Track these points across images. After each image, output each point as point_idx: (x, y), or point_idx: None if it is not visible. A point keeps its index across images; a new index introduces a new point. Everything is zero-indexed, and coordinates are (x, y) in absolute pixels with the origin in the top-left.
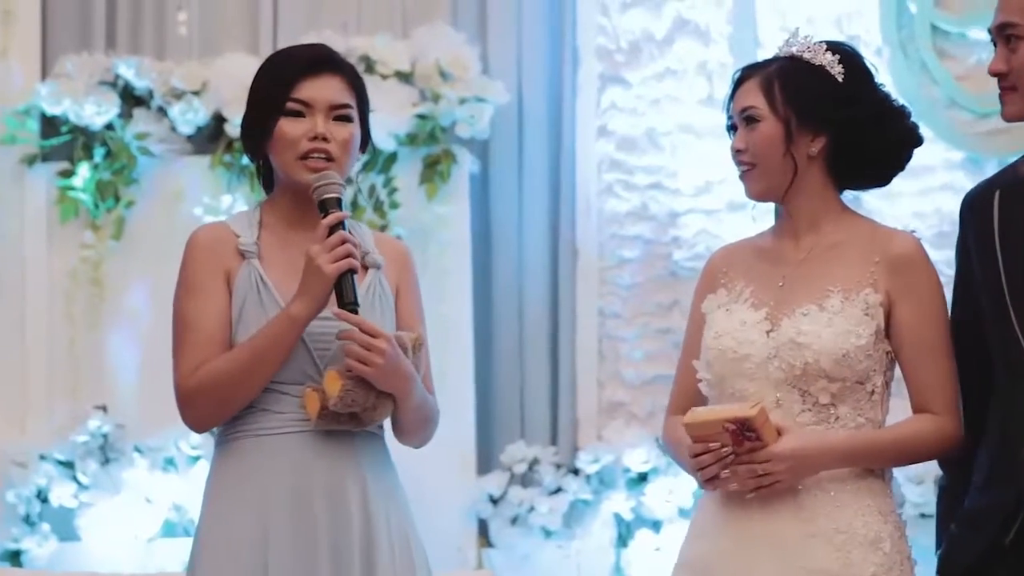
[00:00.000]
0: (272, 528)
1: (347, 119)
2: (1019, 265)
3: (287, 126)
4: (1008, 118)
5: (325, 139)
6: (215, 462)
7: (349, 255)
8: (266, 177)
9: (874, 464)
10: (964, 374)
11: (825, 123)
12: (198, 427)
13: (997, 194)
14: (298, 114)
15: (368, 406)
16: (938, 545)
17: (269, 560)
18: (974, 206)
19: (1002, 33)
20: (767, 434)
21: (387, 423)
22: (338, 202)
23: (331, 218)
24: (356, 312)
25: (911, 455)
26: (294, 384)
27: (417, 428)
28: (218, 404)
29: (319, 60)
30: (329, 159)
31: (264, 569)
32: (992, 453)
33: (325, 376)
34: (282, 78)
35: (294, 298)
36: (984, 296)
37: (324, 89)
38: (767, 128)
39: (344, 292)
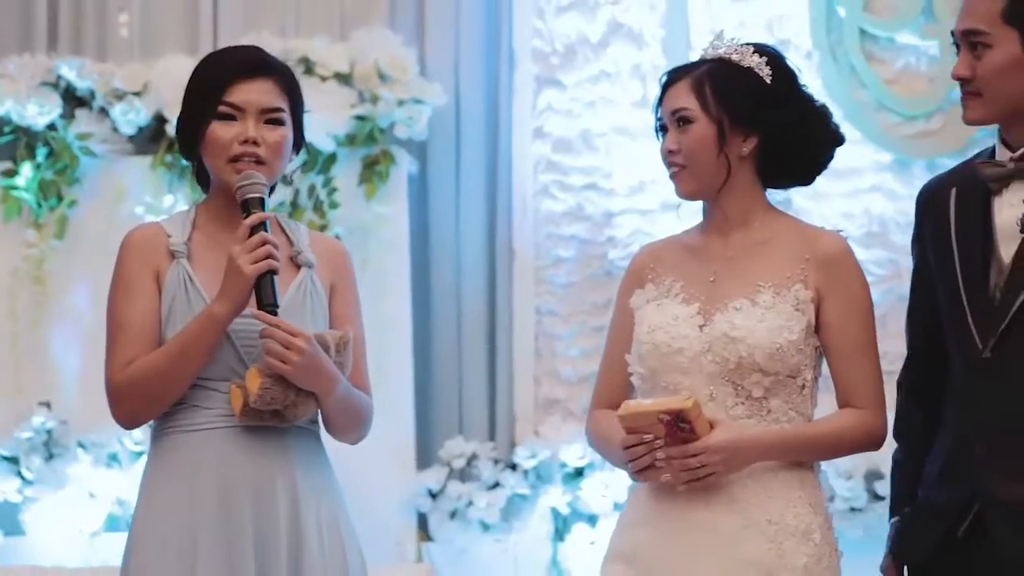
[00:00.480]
0: (200, 526)
1: (279, 122)
2: (975, 265)
3: (219, 129)
4: (969, 122)
5: (255, 143)
6: (149, 458)
7: (269, 256)
8: (202, 177)
9: (802, 457)
10: (921, 359)
11: (756, 124)
12: (128, 423)
13: (953, 192)
14: (230, 117)
15: (288, 403)
16: (891, 513)
17: (197, 558)
18: (930, 202)
19: (966, 39)
20: (700, 426)
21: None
22: (261, 202)
23: (252, 219)
24: (275, 313)
25: (837, 449)
26: (222, 380)
27: (346, 425)
28: (146, 400)
29: (251, 64)
30: (259, 163)
31: (192, 567)
32: (948, 447)
33: (247, 373)
34: (214, 81)
35: (216, 298)
36: (941, 294)
37: (255, 93)
38: (700, 129)
39: (263, 293)
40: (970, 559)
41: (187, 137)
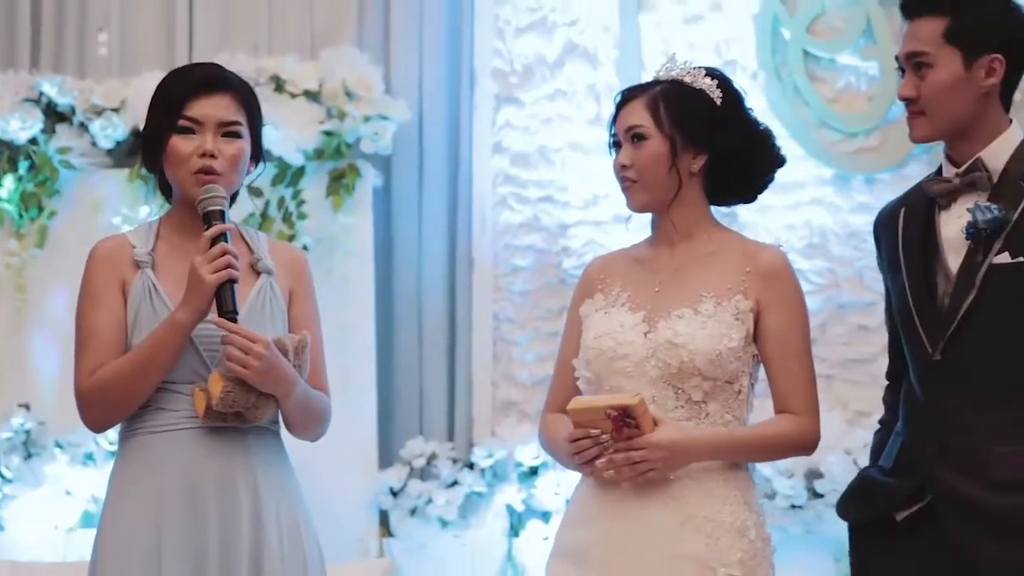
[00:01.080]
0: (165, 524)
1: (236, 135)
2: (920, 276)
3: (179, 143)
4: (916, 140)
5: (213, 156)
6: (116, 458)
7: (229, 266)
8: (164, 188)
9: (739, 459)
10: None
11: (706, 143)
12: (95, 427)
13: (902, 212)
14: (189, 131)
15: (250, 405)
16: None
17: (163, 555)
18: (884, 225)
19: (910, 61)
20: (645, 423)
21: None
22: (221, 214)
23: (213, 230)
24: (235, 320)
25: (773, 451)
26: (186, 383)
27: (305, 424)
28: (112, 405)
29: (209, 80)
30: (217, 174)
31: (158, 564)
32: (903, 442)
33: (209, 377)
34: (174, 97)
35: (179, 305)
36: (894, 305)
37: (213, 107)
38: (654, 146)
39: (224, 301)
40: (914, 548)
41: (150, 150)
